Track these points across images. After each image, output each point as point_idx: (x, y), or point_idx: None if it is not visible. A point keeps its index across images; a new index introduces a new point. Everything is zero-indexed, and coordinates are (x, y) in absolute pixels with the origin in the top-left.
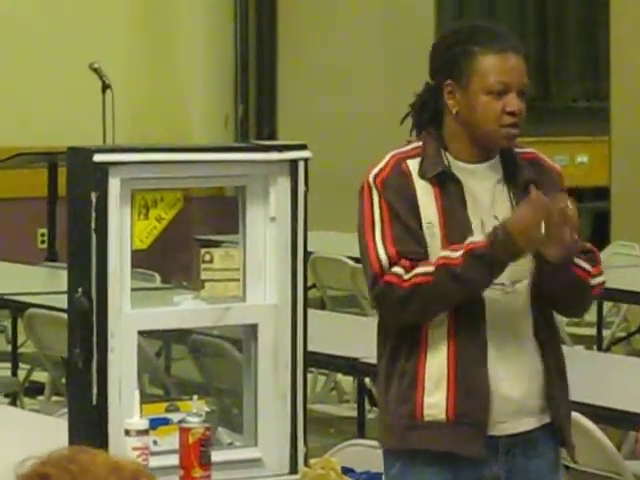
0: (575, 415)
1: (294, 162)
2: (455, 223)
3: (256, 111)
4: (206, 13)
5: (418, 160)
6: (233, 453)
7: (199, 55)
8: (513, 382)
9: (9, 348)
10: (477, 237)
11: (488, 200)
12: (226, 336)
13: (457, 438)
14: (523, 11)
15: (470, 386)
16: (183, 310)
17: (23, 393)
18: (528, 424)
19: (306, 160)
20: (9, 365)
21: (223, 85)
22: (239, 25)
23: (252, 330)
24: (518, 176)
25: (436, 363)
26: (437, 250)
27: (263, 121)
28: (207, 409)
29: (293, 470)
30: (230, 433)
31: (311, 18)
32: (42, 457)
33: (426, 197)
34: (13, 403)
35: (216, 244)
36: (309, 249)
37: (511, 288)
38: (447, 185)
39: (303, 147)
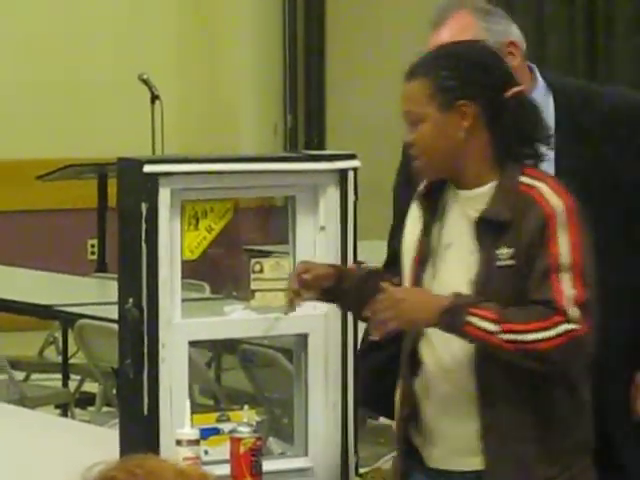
0: None
1: (343, 172)
2: (411, 252)
3: (305, 121)
4: (254, 23)
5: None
6: (284, 463)
7: (248, 65)
8: (442, 420)
9: (60, 359)
10: None
11: (455, 230)
12: (276, 346)
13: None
14: (572, 25)
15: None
16: (234, 320)
17: (74, 404)
18: (463, 464)
19: (355, 169)
20: (60, 376)
21: (272, 95)
22: (287, 35)
23: (302, 340)
24: (494, 212)
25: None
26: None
27: (312, 131)
28: (258, 419)
29: (344, 479)
30: (281, 443)
31: (359, 27)
32: (110, 462)
33: (409, 219)
34: (64, 414)
35: (265, 254)
36: (358, 258)
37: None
38: (424, 209)
39: (352, 157)
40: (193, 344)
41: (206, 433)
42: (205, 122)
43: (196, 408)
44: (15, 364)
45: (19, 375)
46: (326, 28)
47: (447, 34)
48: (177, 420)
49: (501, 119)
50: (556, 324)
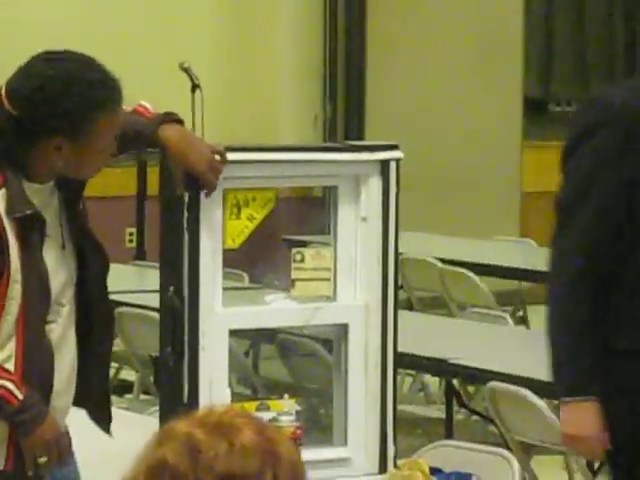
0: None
1: (386, 162)
2: None
3: (344, 111)
4: (295, 12)
5: None
6: (323, 452)
7: (288, 55)
8: None
9: None
10: None
11: None
12: (314, 336)
13: None
14: (612, 14)
15: None
16: (274, 309)
17: (111, 391)
18: None
19: (397, 160)
20: None
21: (312, 85)
22: (328, 24)
23: (343, 330)
24: None
25: None
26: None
27: (351, 121)
28: (298, 408)
29: (382, 470)
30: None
31: (401, 17)
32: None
33: None
34: None
35: (303, 244)
36: (399, 250)
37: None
38: None
39: (394, 147)
40: (232, 333)
41: None
42: (244, 112)
43: (233, 397)
44: None
45: None
46: (367, 17)
47: None
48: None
49: None
50: None
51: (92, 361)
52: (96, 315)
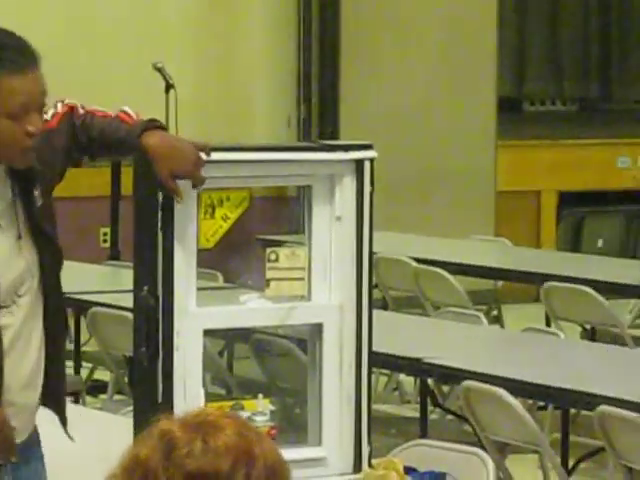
0: None
1: (360, 162)
2: None
3: (319, 111)
4: (269, 13)
5: None
6: (298, 452)
7: (262, 55)
8: None
9: (72, 347)
10: None
11: None
12: (289, 335)
13: None
14: (587, 13)
15: None
16: (248, 309)
17: (85, 392)
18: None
19: (372, 160)
20: (72, 364)
21: (286, 85)
22: (302, 25)
23: (317, 329)
24: None
25: None
26: None
27: (325, 121)
28: (272, 408)
29: (357, 469)
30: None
31: (374, 18)
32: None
33: None
34: (76, 401)
35: (278, 244)
36: (374, 249)
37: None
38: None
39: (369, 147)
40: (207, 333)
41: None
42: (218, 112)
43: (208, 397)
44: None
45: None
46: (341, 19)
47: None
48: (191, 408)
49: None
50: None
51: (47, 358)
52: (48, 309)
